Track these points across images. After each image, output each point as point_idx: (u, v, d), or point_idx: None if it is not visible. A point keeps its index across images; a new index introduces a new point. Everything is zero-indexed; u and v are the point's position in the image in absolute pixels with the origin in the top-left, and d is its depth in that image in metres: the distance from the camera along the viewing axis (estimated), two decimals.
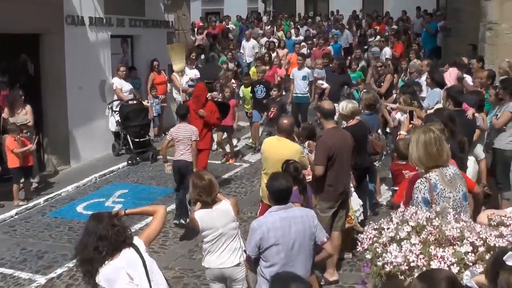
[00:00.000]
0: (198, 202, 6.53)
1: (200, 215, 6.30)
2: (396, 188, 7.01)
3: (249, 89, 16.07)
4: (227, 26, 30.06)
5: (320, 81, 16.12)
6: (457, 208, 5.17)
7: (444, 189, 5.21)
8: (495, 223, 4.63)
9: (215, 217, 6.31)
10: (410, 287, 4.23)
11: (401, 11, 31.72)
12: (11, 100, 12.98)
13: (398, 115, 10.39)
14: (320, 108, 8.64)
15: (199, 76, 17.48)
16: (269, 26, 30.13)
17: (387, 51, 20.61)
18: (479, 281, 3.53)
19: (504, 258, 2.97)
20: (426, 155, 5.28)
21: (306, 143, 9.33)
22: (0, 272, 9.51)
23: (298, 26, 30.19)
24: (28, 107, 12.96)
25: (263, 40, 25.53)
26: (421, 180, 5.31)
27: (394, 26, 27.40)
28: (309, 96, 17.11)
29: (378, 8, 36.21)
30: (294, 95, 16.79)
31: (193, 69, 17.74)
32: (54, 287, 9.03)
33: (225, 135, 15.33)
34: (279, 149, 8.18)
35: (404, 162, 6.99)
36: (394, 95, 13.59)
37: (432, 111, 9.35)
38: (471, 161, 8.52)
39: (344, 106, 9.07)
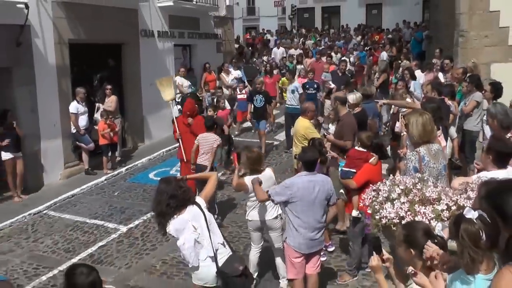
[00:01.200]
0: (243, 171, 6.56)
1: (251, 180, 6.28)
2: (347, 169, 6.88)
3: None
4: (268, 38, 30.16)
5: (328, 82, 15.41)
6: (438, 176, 5.20)
7: (430, 161, 5.22)
8: (463, 188, 4.70)
9: (262, 181, 6.30)
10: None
11: (395, 23, 31.52)
12: (103, 92, 13.25)
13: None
14: (337, 97, 9.07)
15: (241, 75, 17.61)
16: (299, 39, 29.40)
17: (384, 55, 20.44)
18: (446, 232, 3.61)
19: (464, 212, 3.03)
20: (424, 132, 5.30)
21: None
22: (94, 223, 9.74)
23: (321, 39, 29.30)
24: (113, 97, 13.09)
25: (292, 51, 23.98)
26: (412, 153, 5.35)
27: (390, 36, 27.08)
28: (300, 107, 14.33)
29: (378, 22, 36.01)
30: (287, 106, 14.43)
31: (236, 70, 17.89)
32: (133, 234, 9.20)
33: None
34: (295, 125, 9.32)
35: (364, 150, 6.94)
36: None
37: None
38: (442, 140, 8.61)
39: (353, 97, 9.18)
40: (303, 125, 9.12)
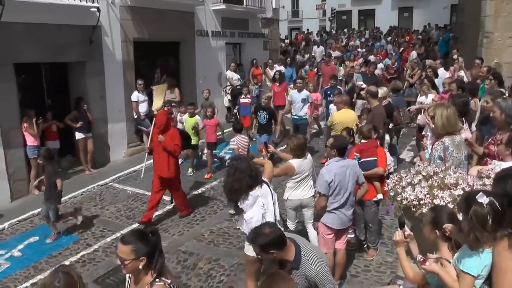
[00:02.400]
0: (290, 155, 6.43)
1: (297, 163, 6.21)
2: (367, 159, 6.65)
3: (193, 119, 11.19)
4: (314, 38, 29.75)
5: (359, 82, 14.06)
6: (460, 165, 5.03)
7: (453, 151, 5.05)
8: (482, 175, 4.53)
9: (305, 164, 6.27)
10: (420, 215, 4.22)
11: (423, 26, 30.64)
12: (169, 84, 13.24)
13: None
14: (369, 91, 8.91)
15: (284, 71, 17.46)
16: (344, 39, 28.45)
17: (414, 54, 19.92)
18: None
19: (477, 196, 2.92)
20: (448, 124, 5.12)
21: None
22: None
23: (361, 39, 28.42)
24: (176, 89, 13.16)
25: (336, 53, 22.58)
26: (438, 143, 5.17)
27: (419, 36, 26.29)
28: (307, 117, 11.87)
29: (409, 24, 35.14)
30: (294, 116, 11.91)
31: (280, 65, 17.76)
32: None
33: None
34: (346, 117, 8.93)
35: (366, 141, 6.74)
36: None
37: None
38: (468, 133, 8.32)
39: (381, 91, 9.01)
40: (354, 117, 9.17)
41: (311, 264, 3.63)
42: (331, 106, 11.00)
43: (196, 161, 11.53)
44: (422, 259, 3.36)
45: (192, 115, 11.22)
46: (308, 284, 3.68)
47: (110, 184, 10.85)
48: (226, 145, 12.96)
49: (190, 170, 11.13)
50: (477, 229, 2.89)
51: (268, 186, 5.12)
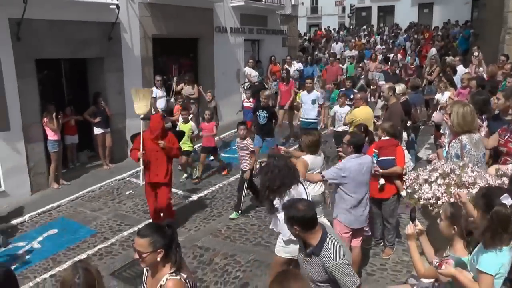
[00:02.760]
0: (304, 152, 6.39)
1: (311, 159, 6.15)
2: (385, 158, 6.57)
3: (187, 125, 10.37)
4: (334, 35, 29.46)
5: (381, 82, 13.53)
6: (477, 163, 5.00)
7: (471, 149, 5.03)
8: (501, 173, 4.50)
9: (318, 161, 6.23)
10: (436, 214, 4.20)
11: (443, 22, 30.09)
12: (182, 80, 13.34)
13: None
14: (392, 87, 8.89)
15: (302, 68, 17.42)
16: (364, 37, 27.63)
17: (433, 50, 19.66)
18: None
19: (501, 198, 2.89)
20: (464, 122, 5.09)
21: None
22: None
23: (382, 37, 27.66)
24: (196, 86, 13.15)
25: (347, 52, 21.26)
26: (455, 140, 5.14)
27: (440, 33, 25.85)
28: (318, 121, 11.29)
29: (429, 20, 34.69)
30: (302, 119, 11.35)
31: (299, 63, 17.72)
32: (202, 201, 9.33)
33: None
34: (366, 114, 8.88)
35: (388, 138, 6.64)
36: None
37: None
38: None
39: (399, 88, 9.01)
40: (372, 114, 9.20)
41: (331, 254, 3.58)
42: (336, 108, 10.27)
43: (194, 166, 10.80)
44: (438, 263, 3.32)
45: (186, 121, 10.50)
46: (326, 274, 3.64)
47: (127, 178, 10.95)
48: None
49: (194, 172, 10.61)
50: (497, 229, 2.86)
51: (303, 186, 5.03)
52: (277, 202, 4.85)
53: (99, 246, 7.72)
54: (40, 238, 8.13)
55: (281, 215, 4.63)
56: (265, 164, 5.10)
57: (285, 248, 5.09)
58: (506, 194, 2.92)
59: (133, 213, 9.06)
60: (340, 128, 9.85)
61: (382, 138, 6.64)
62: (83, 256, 7.40)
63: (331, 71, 16.50)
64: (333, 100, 12.31)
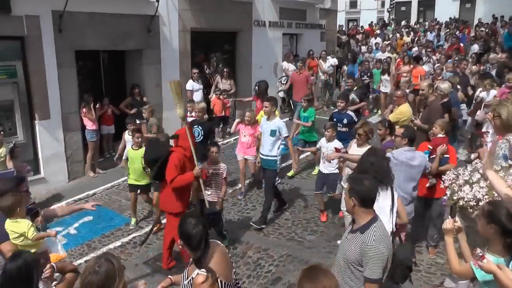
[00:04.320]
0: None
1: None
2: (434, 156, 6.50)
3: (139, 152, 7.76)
4: (376, 31, 28.51)
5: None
6: None
7: None
8: None
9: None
10: (475, 217, 4.09)
11: (488, 17, 29.05)
12: (220, 73, 13.43)
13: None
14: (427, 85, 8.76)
15: (336, 63, 17.25)
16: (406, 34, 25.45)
17: (475, 47, 19.11)
18: None
19: None
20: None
21: None
22: None
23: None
24: (231, 80, 13.24)
25: (379, 54, 18.14)
26: (503, 140, 4.98)
27: (482, 29, 24.86)
28: (277, 160, 7.80)
29: (471, 15, 33.69)
30: (260, 155, 8.12)
31: (333, 58, 17.59)
32: (236, 194, 9.34)
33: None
34: (409, 111, 8.58)
35: (443, 136, 6.57)
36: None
37: None
38: None
39: (446, 85, 8.90)
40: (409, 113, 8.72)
41: (375, 236, 3.54)
42: (322, 142, 8.00)
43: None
44: (481, 255, 3.21)
45: (139, 146, 7.97)
46: (360, 255, 3.58)
47: None
48: None
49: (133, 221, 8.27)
50: None
51: (392, 193, 4.58)
52: (381, 192, 4.38)
53: (133, 235, 7.87)
54: (76, 225, 8.33)
55: (378, 204, 4.10)
56: (362, 156, 4.78)
57: None
58: None
59: None
60: (326, 170, 7.75)
61: (439, 135, 6.59)
62: (117, 243, 7.57)
63: (298, 81, 13.30)
64: (305, 120, 9.88)
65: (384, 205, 4.47)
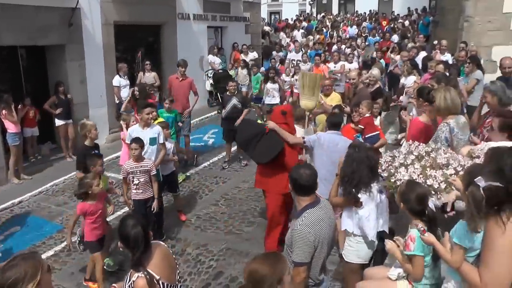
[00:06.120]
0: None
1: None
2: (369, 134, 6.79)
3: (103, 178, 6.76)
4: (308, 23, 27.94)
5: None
6: (464, 146, 5.02)
7: (458, 132, 5.07)
8: (473, 155, 4.54)
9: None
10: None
11: (404, 9, 31.04)
12: (143, 67, 13.06)
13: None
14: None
15: (257, 57, 17.35)
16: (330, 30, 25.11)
17: (395, 38, 19.87)
18: (458, 184, 3.46)
19: (476, 179, 2.89)
20: (453, 105, 5.20)
21: None
22: None
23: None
24: (154, 73, 12.91)
25: (292, 54, 16.45)
26: (443, 124, 5.19)
27: (400, 21, 26.11)
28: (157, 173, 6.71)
29: (389, 8, 35.35)
30: None
31: (253, 52, 17.43)
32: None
33: None
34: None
35: (369, 115, 7.06)
36: None
37: None
38: None
39: (375, 73, 9.32)
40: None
41: (303, 221, 3.62)
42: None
43: None
44: (422, 229, 3.49)
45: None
46: (289, 241, 3.70)
47: None
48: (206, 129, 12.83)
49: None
50: (473, 209, 2.89)
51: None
52: (362, 196, 4.39)
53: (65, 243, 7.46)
54: (1, 237, 7.73)
55: (364, 212, 4.41)
56: (346, 155, 4.56)
57: (358, 252, 4.57)
58: (479, 177, 2.92)
59: None
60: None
61: (366, 115, 6.96)
62: (50, 253, 7.13)
63: (179, 89, 10.74)
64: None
65: (382, 200, 4.48)
